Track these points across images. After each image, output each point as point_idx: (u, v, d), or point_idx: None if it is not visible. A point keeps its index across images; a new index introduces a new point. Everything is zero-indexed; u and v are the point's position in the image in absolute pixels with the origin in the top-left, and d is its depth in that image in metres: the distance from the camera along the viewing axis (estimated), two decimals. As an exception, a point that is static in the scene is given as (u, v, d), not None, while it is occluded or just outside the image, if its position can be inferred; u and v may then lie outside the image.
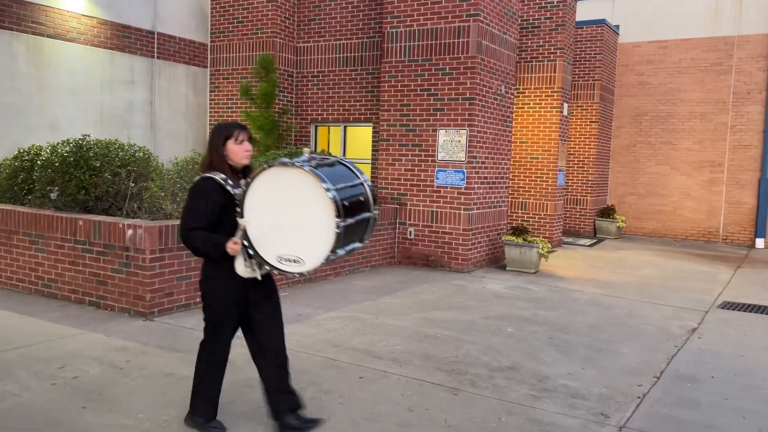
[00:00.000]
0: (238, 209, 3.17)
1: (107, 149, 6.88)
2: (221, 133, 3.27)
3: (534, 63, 11.63)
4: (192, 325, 5.58)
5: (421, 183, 9.21)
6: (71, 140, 7.05)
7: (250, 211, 3.15)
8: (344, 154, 10.63)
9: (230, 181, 3.23)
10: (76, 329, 5.34)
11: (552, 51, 11.51)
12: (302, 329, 5.62)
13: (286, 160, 3.11)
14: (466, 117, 8.82)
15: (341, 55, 10.42)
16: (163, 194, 6.65)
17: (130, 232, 5.77)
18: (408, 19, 9.18)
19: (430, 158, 9.12)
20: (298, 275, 3.25)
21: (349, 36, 10.34)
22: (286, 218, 3.12)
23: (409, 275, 8.54)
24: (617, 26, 14.61)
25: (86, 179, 6.61)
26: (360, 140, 10.68)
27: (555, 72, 11.48)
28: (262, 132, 10.21)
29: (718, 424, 3.87)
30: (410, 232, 9.31)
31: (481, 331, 5.80)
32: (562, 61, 11.47)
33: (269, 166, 3.11)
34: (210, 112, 11.34)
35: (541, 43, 11.58)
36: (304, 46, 10.84)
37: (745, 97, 13.67)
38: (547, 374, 4.69)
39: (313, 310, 6.35)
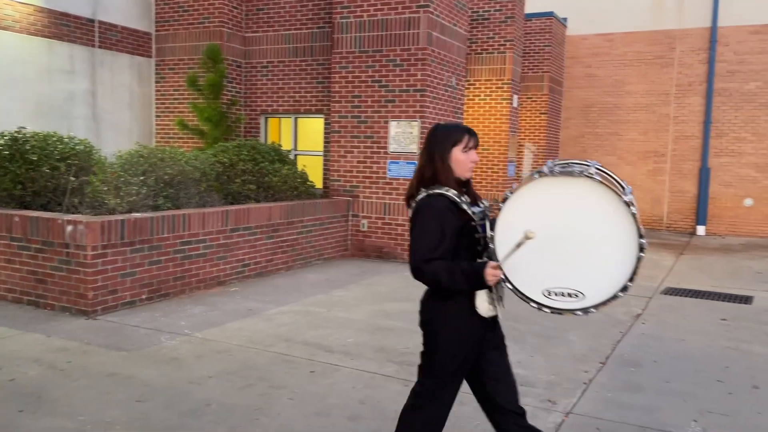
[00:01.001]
0: (490, 228, 2.47)
1: (45, 142, 6.61)
2: (447, 138, 2.58)
3: (484, 55, 11.72)
4: (137, 323, 5.42)
5: (374, 175, 9.18)
6: (6, 133, 6.74)
7: (505, 231, 2.45)
8: (296, 146, 10.51)
9: (463, 198, 2.55)
10: (13, 330, 5.12)
11: (502, 43, 11.62)
12: (253, 324, 5.54)
13: (559, 169, 2.42)
14: (418, 108, 8.82)
15: (291, 46, 10.28)
16: (106, 188, 6.43)
17: (69, 228, 5.55)
18: (358, 9, 9.10)
19: (382, 150, 9.10)
20: (577, 313, 2.44)
21: (299, 26, 10.20)
22: (560, 240, 2.42)
23: (363, 267, 8.52)
24: (565, 19, 14.86)
25: (22, 173, 6.34)
26: (311, 132, 10.57)
27: (505, 64, 11.59)
28: (210, 124, 9.99)
29: (661, 407, 3.98)
30: (363, 224, 9.29)
31: (433, 322, 5.81)
32: (511, 53, 11.59)
33: (538, 175, 2.41)
34: (156, 104, 11.03)
35: (491, 35, 11.67)
36: (252, 36, 10.65)
37: (687, 89, 14.11)
38: (497, 363, 4.73)
39: (264, 304, 6.26)
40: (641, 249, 2.31)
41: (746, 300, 7.24)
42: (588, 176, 2.35)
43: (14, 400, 3.73)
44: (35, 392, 3.86)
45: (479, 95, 11.81)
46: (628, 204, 2.31)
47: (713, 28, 13.69)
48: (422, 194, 2.56)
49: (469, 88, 11.73)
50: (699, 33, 13.91)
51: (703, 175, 13.89)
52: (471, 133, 2.61)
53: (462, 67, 9.93)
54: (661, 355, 5.11)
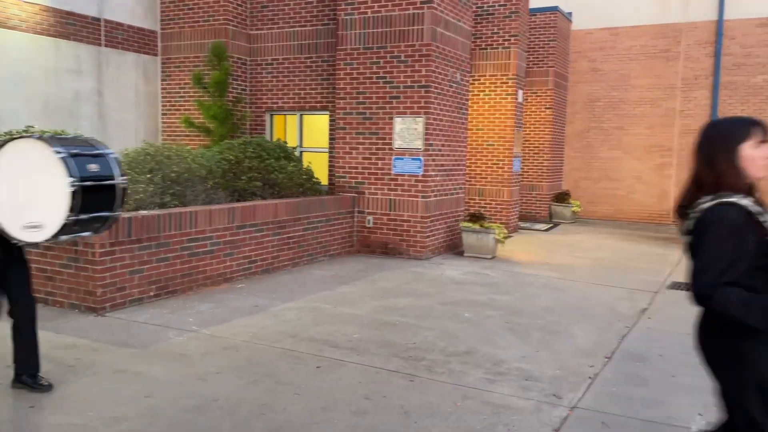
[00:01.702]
0: None
1: (52, 141, 6.64)
2: (732, 134, 2.19)
3: (489, 50, 11.70)
4: (145, 320, 5.47)
5: (379, 171, 9.20)
6: (14, 132, 6.78)
7: None
8: (301, 143, 10.53)
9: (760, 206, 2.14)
10: (22, 327, 5.16)
11: (506, 38, 11.59)
12: (259, 320, 5.57)
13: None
14: (422, 105, 8.83)
15: (295, 43, 10.30)
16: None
17: (78, 226, 5.60)
18: (362, 6, 9.11)
19: (387, 146, 9.11)
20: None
21: (303, 23, 10.21)
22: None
23: (368, 263, 8.55)
24: (570, 13, 14.81)
25: (31, 172, 6.37)
26: (316, 129, 10.59)
27: (509, 59, 11.57)
28: (216, 121, 10.03)
29: (666, 401, 3.99)
30: (369, 220, 9.31)
31: (438, 317, 5.84)
32: (516, 48, 11.57)
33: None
34: (162, 101, 11.08)
35: (495, 30, 11.65)
36: (257, 34, 10.67)
37: (693, 82, 14.05)
38: (502, 358, 4.76)
39: (270, 301, 6.30)
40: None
41: (752, 294, 7.22)
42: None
43: (25, 396, 3.78)
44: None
45: (484, 90, 11.79)
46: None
47: (719, 21, 13.62)
48: (708, 202, 2.14)
49: (473, 84, 11.72)
50: (705, 26, 13.84)
51: (710, 169, 13.83)
52: (759, 123, 2.19)
53: (466, 62, 9.92)
54: (666, 349, 5.12)
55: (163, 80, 11.02)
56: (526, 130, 13.95)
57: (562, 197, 14.21)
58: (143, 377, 4.14)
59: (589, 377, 4.40)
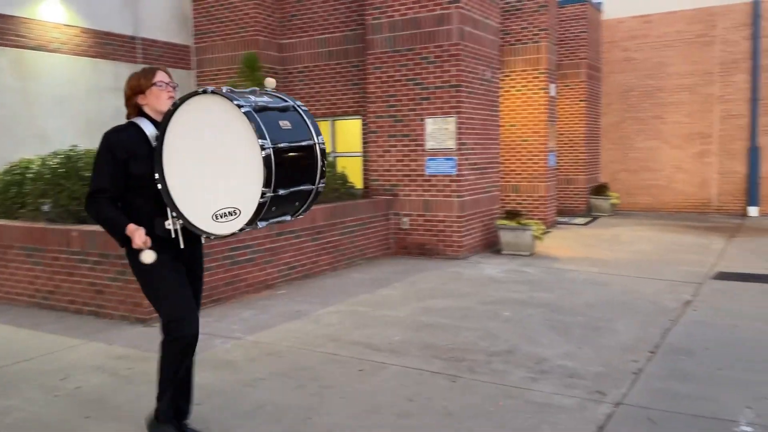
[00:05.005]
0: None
1: (96, 158, 6.88)
2: None
3: (518, 45, 11.63)
4: (191, 329, 5.62)
5: (412, 173, 9.24)
6: (60, 151, 7.06)
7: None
8: (334, 148, 10.64)
9: None
10: (76, 339, 5.38)
11: (536, 32, 11.51)
12: (301, 326, 5.68)
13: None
14: (453, 104, 8.84)
15: (325, 50, 10.42)
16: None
17: (124, 240, 5.79)
18: (389, 9, 9.17)
19: (419, 147, 9.15)
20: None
21: (332, 30, 10.33)
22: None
23: (406, 265, 8.60)
24: (600, 3, 14.60)
25: (77, 189, 6.62)
26: (349, 134, 10.69)
27: (540, 53, 11.48)
28: (251, 131, 10.20)
29: (712, 395, 3.94)
30: (404, 222, 9.36)
31: (479, 317, 5.86)
32: (546, 42, 11.47)
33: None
34: (198, 114, 11.32)
35: (524, 25, 11.58)
36: (287, 43, 10.83)
37: (732, 66, 13.70)
38: (544, 356, 4.75)
39: (311, 306, 6.40)
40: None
41: (802, 282, 7.03)
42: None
43: (81, 406, 3.95)
44: (99, 399, 4.06)
45: (515, 86, 11.72)
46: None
47: (756, 3, 13.25)
48: None
49: (504, 80, 11.66)
50: (741, 8, 13.47)
51: (753, 155, 13.47)
52: None
53: (496, 59, 9.89)
54: (712, 342, 5.03)
55: (198, 93, 11.25)
56: (560, 124, 13.80)
57: (600, 190, 14.01)
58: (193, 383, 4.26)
59: (634, 373, 4.36)
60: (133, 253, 3.00)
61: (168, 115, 2.89)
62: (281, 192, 2.69)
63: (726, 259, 8.63)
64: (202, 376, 4.42)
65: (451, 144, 8.89)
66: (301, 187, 2.84)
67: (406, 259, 9.10)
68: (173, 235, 3.02)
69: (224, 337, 5.36)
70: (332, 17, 10.31)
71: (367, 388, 4.18)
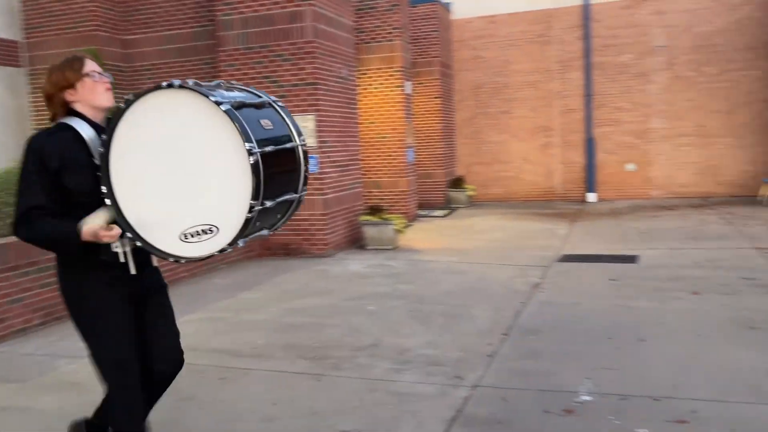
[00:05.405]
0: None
1: None
2: None
3: (373, 44, 11.82)
4: (31, 351, 5.13)
5: (273, 172, 9.07)
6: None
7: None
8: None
9: None
10: None
11: (389, 31, 11.76)
12: (157, 338, 5.37)
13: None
14: (311, 102, 8.80)
15: (174, 46, 9.94)
16: (-19, 212, 5.99)
17: (-56, 258, 5.15)
18: (240, 5, 8.93)
19: (278, 146, 8.99)
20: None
21: (180, 26, 9.88)
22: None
23: (270, 267, 8.44)
24: (449, 3, 15.23)
25: None
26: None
27: (394, 52, 11.75)
28: (96, 133, 9.51)
29: (557, 370, 4.24)
30: (267, 222, 9.17)
31: (344, 313, 5.88)
32: (400, 41, 11.77)
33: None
34: (32, 116, 10.36)
35: (378, 24, 11.79)
36: (132, 39, 10.20)
37: (568, 65, 14.86)
38: (407, 346, 4.86)
39: (168, 315, 6.08)
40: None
41: (632, 259, 7.79)
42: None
43: None
44: None
45: (372, 84, 11.91)
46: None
47: (586, 6, 14.47)
48: None
49: (361, 78, 11.80)
50: (573, 11, 14.66)
51: (589, 146, 14.73)
52: None
53: (352, 57, 9.98)
54: (558, 320, 5.42)
55: (31, 93, 10.30)
56: (417, 121, 14.23)
57: (457, 183, 14.64)
58: (33, 412, 3.89)
59: (489, 356, 4.59)
60: (78, 280, 2.55)
61: (117, 115, 2.38)
62: (268, 204, 2.27)
63: (569, 242, 9.36)
64: (43, 402, 4.04)
65: (312, 142, 8.85)
66: (286, 197, 2.44)
67: (270, 260, 8.93)
68: (122, 259, 2.47)
69: (69, 357, 4.94)
70: (180, 12, 9.86)
71: (229, 396, 4.04)
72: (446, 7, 14.98)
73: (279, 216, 2.52)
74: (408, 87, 12.14)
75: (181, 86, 2.24)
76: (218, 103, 2.17)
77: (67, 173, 2.43)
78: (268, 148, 2.26)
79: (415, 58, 14.10)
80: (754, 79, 13.68)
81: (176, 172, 2.29)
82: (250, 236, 2.37)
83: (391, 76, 11.81)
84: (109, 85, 2.62)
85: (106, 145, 2.39)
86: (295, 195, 2.49)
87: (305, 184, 2.55)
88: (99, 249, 2.44)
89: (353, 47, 10.04)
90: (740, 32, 13.67)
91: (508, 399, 3.80)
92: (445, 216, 13.07)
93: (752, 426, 3.30)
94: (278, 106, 2.53)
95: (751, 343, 4.54)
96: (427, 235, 10.59)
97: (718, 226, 9.97)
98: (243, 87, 2.52)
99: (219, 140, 2.20)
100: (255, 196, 2.17)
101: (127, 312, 2.60)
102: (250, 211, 2.18)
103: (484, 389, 3.98)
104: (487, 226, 11.35)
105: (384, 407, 3.77)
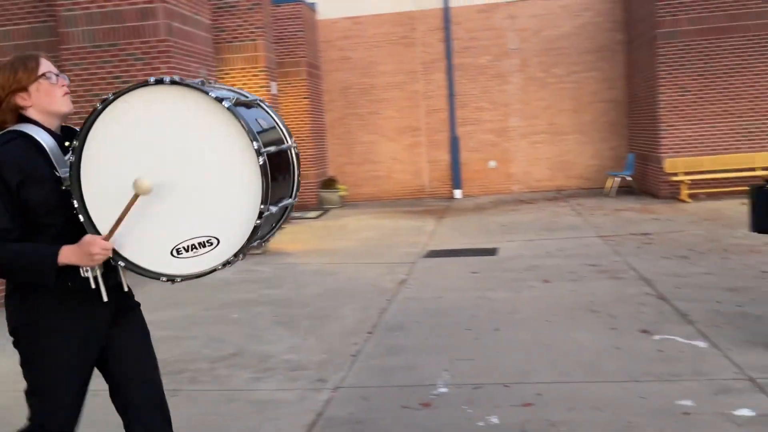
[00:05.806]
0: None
1: None
2: None
3: (236, 43, 11.51)
4: None
5: (129, 178, 8.56)
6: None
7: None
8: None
9: None
10: None
11: (252, 30, 11.51)
12: None
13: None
14: (168, 103, 8.38)
15: (11, 43, 9.07)
16: None
17: None
18: (84, 1, 8.33)
19: (134, 150, 8.50)
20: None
21: (17, 21, 9.05)
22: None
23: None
24: (314, 3, 15.18)
25: None
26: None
27: (258, 51, 11.52)
28: None
29: (418, 364, 4.32)
30: (124, 231, 8.64)
31: (204, 324, 5.64)
32: (263, 40, 11.55)
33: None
34: None
35: (239, 23, 11.50)
36: (-40, 34, 9.19)
37: (431, 66, 15.34)
38: (270, 353, 4.75)
39: None
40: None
41: (492, 252, 8.16)
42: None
43: None
44: None
45: (236, 85, 11.56)
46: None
47: (446, 9, 15.01)
48: None
49: (224, 78, 11.45)
50: (435, 14, 15.15)
51: (454, 144, 15.30)
52: None
53: (211, 57, 9.64)
54: (421, 315, 5.54)
55: None
56: (285, 121, 13.99)
57: (329, 183, 14.63)
58: None
59: (353, 355, 4.59)
60: (34, 310, 2.12)
61: (91, 117, 2.01)
62: (273, 210, 2.02)
63: (436, 238, 9.65)
64: None
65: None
66: (284, 203, 2.20)
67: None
68: (92, 285, 2.12)
69: None
70: (15, 6, 9.02)
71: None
72: (311, 7, 14.91)
73: (273, 224, 2.26)
74: (274, 87, 11.94)
75: (173, 82, 1.97)
76: (219, 100, 1.92)
77: (28, 187, 2.05)
78: (272, 149, 2.05)
79: (282, 59, 13.91)
80: (596, 80, 14.87)
81: (163, 180, 1.98)
82: (253, 244, 2.08)
83: (255, 76, 11.56)
84: (67, 89, 2.24)
85: (78, 152, 2.04)
86: (290, 200, 2.27)
87: (298, 189, 2.33)
88: (66, 274, 2.08)
89: (212, 46, 9.71)
90: (583, 36, 14.81)
91: (369, 398, 3.81)
92: (317, 217, 13.01)
93: (589, 402, 3.54)
94: (266, 105, 2.31)
95: (591, 325, 4.90)
96: (299, 237, 10.47)
97: (569, 218, 10.72)
98: (226, 86, 2.27)
99: (221, 140, 1.97)
100: (264, 200, 1.94)
101: (88, 357, 2.26)
102: (260, 217, 1.94)
103: (345, 390, 3.96)
104: (359, 226, 11.43)
105: (243, 418, 3.65)
